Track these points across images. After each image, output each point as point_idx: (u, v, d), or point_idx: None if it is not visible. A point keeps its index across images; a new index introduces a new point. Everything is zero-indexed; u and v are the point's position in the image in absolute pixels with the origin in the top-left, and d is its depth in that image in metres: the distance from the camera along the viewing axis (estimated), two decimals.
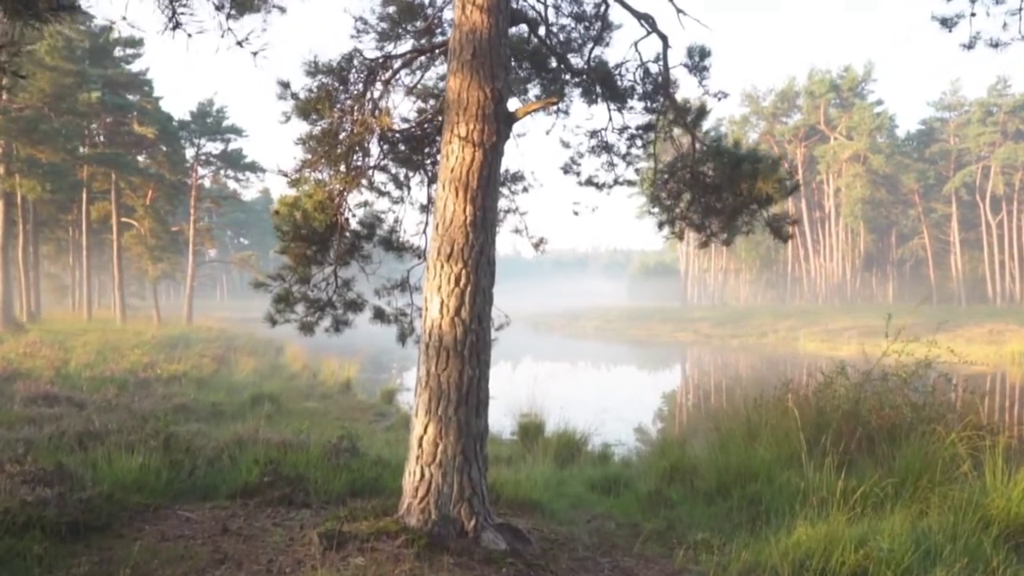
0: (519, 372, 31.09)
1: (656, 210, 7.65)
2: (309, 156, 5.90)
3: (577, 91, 8.14)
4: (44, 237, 53.57)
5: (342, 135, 6.03)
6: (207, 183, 52.53)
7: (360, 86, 5.75)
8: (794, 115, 79.41)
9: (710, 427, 10.70)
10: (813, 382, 10.47)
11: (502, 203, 7.56)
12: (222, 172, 48.76)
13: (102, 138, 39.97)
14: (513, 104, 5.47)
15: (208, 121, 44.89)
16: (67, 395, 12.14)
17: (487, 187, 5.07)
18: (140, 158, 41.17)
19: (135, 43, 38.35)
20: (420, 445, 4.97)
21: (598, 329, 69.13)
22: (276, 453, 7.34)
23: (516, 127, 5.39)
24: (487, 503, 5.06)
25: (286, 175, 5.90)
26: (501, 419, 13.84)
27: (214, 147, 45.25)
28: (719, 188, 6.86)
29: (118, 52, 38.78)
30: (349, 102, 5.70)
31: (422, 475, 4.95)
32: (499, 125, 5.14)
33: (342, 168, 6.28)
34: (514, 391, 14.38)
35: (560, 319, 78.58)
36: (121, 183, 37.81)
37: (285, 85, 5.73)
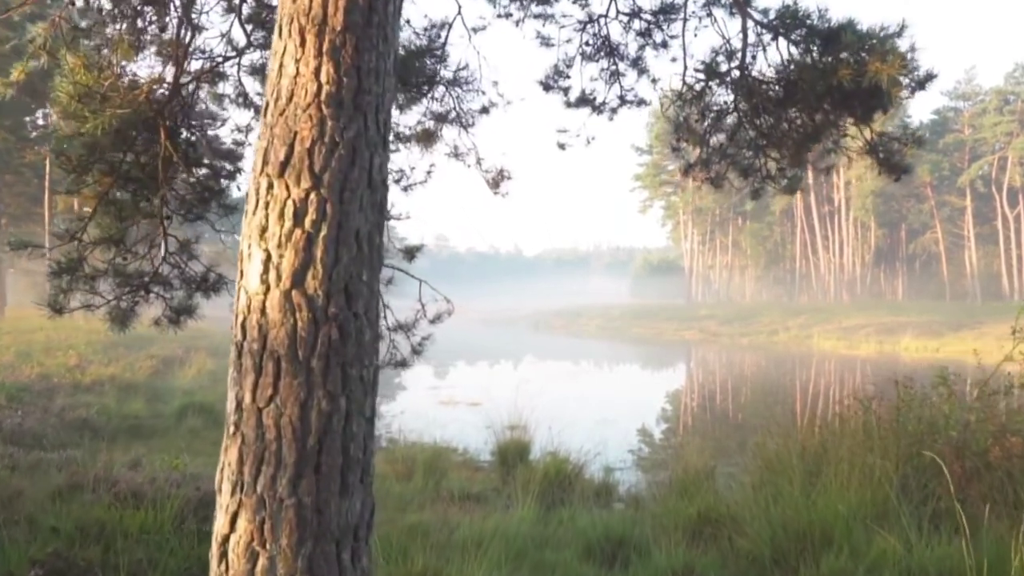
0: (514, 375, 28.57)
1: (682, 144, 5.08)
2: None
3: None
4: (22, 232, 51.18)
5: None
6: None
7: None
8: None
9: (747, 451, 8.30)
10: (871, 389, 8.08)
11: (434, 105, 4.95)
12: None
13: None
14: None
15: None
16: None
17: (367, 29, 2.51)
18: None
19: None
20: (224, 554, 2.41)
21: (600, 328, 67.08)
22: (104, 513, 4.80)
23: (468, 15, 2.82)
24: None
25: None
26: (478, 436, 11.28)
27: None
28: (784, 99, 4.31)
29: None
30: None
31: None
32: None
33: (163, 65, 3.71)
34: (503, 398, 11.73)
35: (561, 318, 76.56)
36: None
37: None
